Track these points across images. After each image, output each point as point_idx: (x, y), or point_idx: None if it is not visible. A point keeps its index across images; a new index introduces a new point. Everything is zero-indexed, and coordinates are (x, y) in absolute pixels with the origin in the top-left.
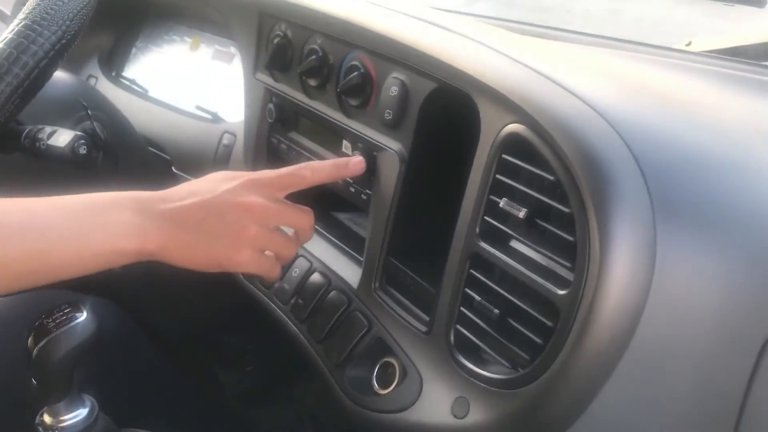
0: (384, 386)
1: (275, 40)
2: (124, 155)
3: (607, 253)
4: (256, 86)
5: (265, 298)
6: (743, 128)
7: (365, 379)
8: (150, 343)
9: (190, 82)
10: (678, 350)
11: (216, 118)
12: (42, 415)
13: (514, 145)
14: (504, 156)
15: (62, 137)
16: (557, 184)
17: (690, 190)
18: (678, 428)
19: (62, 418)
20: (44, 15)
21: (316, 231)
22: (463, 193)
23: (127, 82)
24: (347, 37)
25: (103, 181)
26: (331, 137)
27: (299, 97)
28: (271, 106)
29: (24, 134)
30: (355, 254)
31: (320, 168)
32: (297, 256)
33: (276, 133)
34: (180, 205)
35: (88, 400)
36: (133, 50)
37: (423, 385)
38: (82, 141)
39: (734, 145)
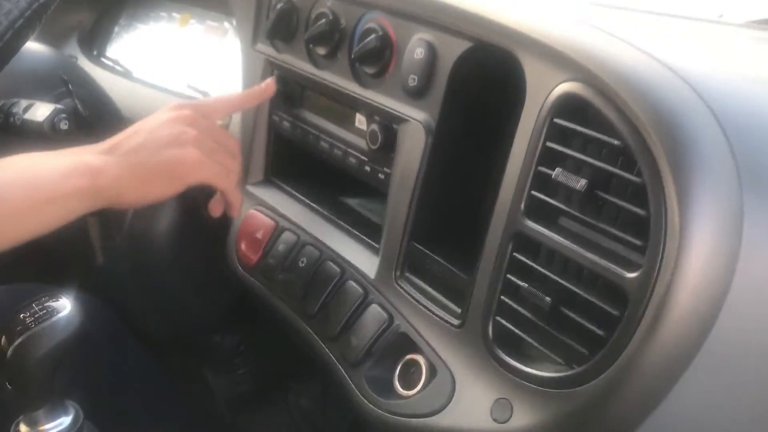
0: (408, 387)
1: (278, 5)
2: (108, 137)
3: (687, 228)
4: (256, 59)
5: (268, 292)
6: None
7: (386, 379)
8: (136, 344)
9: (179, 60)
10: (764, 341)
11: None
12: (18, 424)
13: (569, 106)
14: (556, 120)
15: (40, 111)
16: (623, 150)
17: None
18: (760, 429)
19: (42, 427)
20: None
21: (325, 218)
22: (501, 166)
23: (110, 63)
24: None
25: None
26: (342, 111)
27: (306, 67)
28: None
29: None
30: (369, 241)
31: (236, 97)
32: (304, 245)
33: (278, 110)
34: (119, 139)
35: (72, 406)
36: (116, 28)
37: (456, 385)
38: (63, 115)
39: None
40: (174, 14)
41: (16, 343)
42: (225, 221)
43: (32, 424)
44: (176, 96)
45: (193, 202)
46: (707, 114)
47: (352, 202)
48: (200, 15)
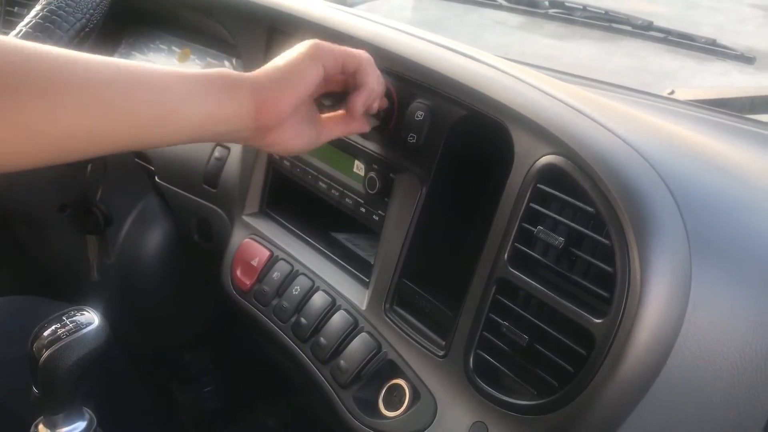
0: (391, 408)
1: None
2: (112, 165)
3: (646, 284)
4: None
5: (262, 315)
6: (753, 172)
7: (371, 400)
8: (122, 357)
9: None
10: (706, 378)
11: None
12: (37, 426)
13: (551, 175)
14: (539, 185)
15: None
16: (594, 216)
17: (721, 228)
18: None
19: (60, 430)
20: (69, 2)
21: (317, 250)
22: (487, 218)
23: None
24: None
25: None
26: (341, 157)
27: None
28: None
29: None
30: (359, 274)
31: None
32: (298, 274)
33: None
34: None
35: (87, 413)
36: (116, 56)
37: (438, 408)
38: None
39: (751, 187)
40: (174, 48)
41: (49, 351)
42: (215, 247)
43: (51, 426)
44: None
45: (186, 227)
46: (665, 191)
47: (341, 237)
48: (200, 52)
